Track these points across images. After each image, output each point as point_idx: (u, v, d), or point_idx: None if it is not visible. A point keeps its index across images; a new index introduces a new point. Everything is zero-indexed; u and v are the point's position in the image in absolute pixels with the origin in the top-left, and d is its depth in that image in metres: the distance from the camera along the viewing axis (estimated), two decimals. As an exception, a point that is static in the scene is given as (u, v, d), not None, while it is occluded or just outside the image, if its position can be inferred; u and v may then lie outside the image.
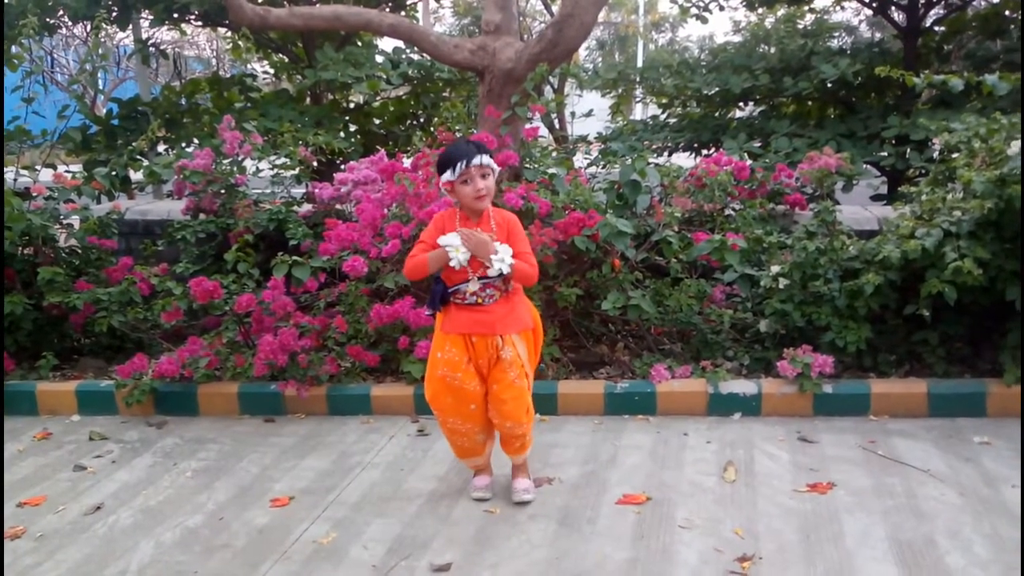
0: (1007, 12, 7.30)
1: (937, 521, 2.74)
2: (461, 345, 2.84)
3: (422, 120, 8.76)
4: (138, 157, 5.36)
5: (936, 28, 7.65)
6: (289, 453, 3.53)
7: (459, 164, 2.74)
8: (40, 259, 4.51)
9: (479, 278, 2.79)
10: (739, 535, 2.70)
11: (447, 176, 2.78)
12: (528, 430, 2.97)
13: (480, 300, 2.81)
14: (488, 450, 3.06)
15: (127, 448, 3.67)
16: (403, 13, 8.69)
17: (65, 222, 4.74)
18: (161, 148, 7.16)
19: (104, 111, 9.41)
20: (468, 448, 3.01)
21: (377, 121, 8.74)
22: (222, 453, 3.56)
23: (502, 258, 2.72)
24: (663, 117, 8.48)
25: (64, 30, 10.77)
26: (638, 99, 10.17)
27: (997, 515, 2.76)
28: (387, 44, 8.90)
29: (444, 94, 8.72)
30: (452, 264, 2.75)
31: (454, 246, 2.73)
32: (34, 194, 4.55)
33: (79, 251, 4.74)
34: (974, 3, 7.93)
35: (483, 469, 3.10)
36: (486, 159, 2.77)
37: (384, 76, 7.74)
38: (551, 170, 4.40)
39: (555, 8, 9.47)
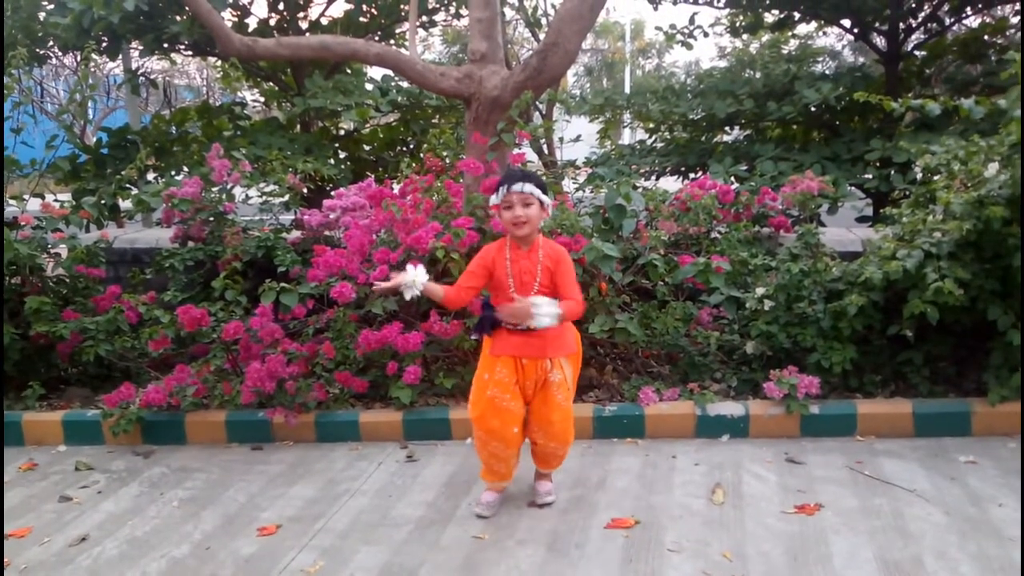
0: (985, 37, 7.44)
1: (924, 541, 2.74)
2: (511, 367, 2.91)
3: (412, 147, 8.83)
4: (127, 186, 5.38)
5: (917, 53, 7.79)
6: (277, 481, 3.51)
7: (501, 188, 2.83)
8: (27, 288, 4.50)
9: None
10: (727, 558, 2.70)
11: (492, 199, 2.90)
12: (568, 450, 3.10)
13: (531, 326, 2.84)
14: (512, 476, 3.15)
15: (113, 478, 3.64)
16: (392, 42, 8.79)
17: (53, 251, 4.74)
18: (150, 176, 7.18)
19: (94, 140, 9.44)
20: (502, 473, 3.10)
21: (367, 148, 8.80)
22: (209, 482, 3.54)
23: (546, 313, 2.72)
24: (650, 142, 8.57)
25: (54, 60, 10.83)
26: (626, 124, 10.28)
27: (983, 534, 2.77)
28: (376, 72, 8.98)
29: (433, 121, 8.80)
30: (406, 296, 2.88)
31: (407, 283, 2.86)
32: (22, 224, 4.55)
33: (67, 280, 4.73)
34: (953, 28, 8.09)
35: (499, 488, 3.16)
36: (529, 187, 2.80)
37: (373, 104, 7.81)
38: (537, 195, 4.43)
39: (541, 36, 9.60)
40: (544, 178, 4.40)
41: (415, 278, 2.88)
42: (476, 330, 3.04)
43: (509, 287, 2.88)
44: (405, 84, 7.96)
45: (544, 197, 2.86)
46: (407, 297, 2.91)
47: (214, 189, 4.96)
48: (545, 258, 2.89)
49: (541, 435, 3.02)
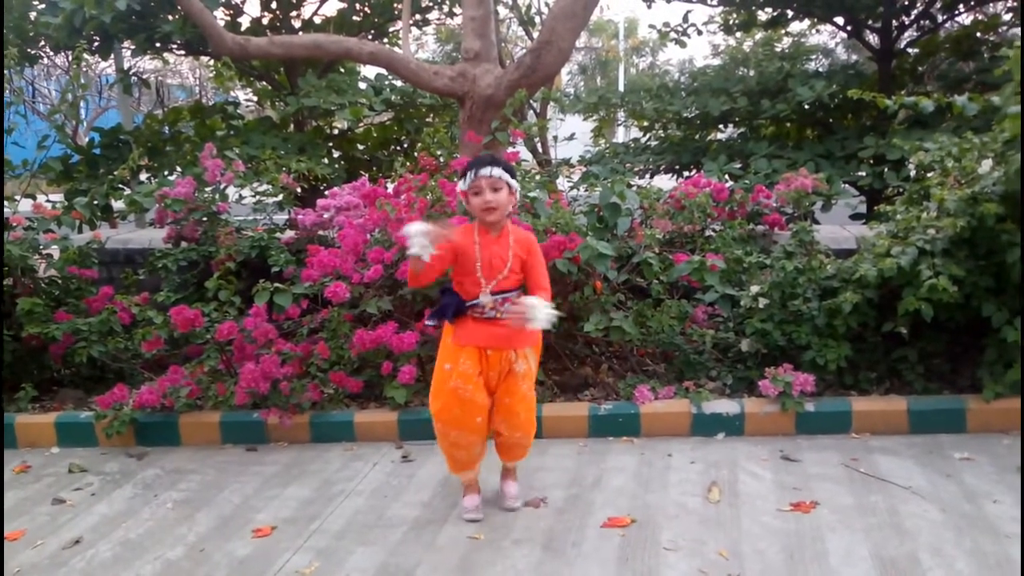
0: (978, 34, 7.46)
1: (920, 538, 2.75)
2: (475, 357, 2.85)
3: (405, 146, 8.81)
4: (119, 186, 5.34)
5: (909, 50, 7.81)
6: (271, 482, 3.50)
7: (469, 174, 2.78)
8: (19, 290, 4.47)
9: (493, 293, 2.82)
10: (724, 556, 2.70)
11: (460, 185, 2.85)
12: (532, 440, 3.07)
13: (499, 315, 2.82)
14: (480, 464, 3.10)
15: (107, 480, 3.62)
16: (385, 40, 8.77)
17: (45, 252, 4.72)
18: (143, 177, 7.15)
19: (86, 140, 9.40)
20: (465, 461, 3.03)
21: (361, 147, 8.77)
22: (203, 483, 3.52)
23: (544, 316, 2.63)
24: (644, 140, 8.57)
25: (45, 60, 10.77)
26: (620, 122, 10.29)
27: (979, 531, 2.77)
28: (370, 71, 8.96)
29: (427, 120, 8.78)
30: (412, 252, 2.59)
31: (417, 233, 2.57)
32: (13, 225, 4.53)
33: (59, 281, 4.71)
34: (946, 26, 8.11)
35: (473, 486, 3.12)
36: (497, 171, 2.76)
37: (367, 103, 7.78)
38: (532, 194, 4.43)
39: (535, 34, 9.59)
40: (537, 176, 4.38)
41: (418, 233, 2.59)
42: (436, 316, 2.94)
43: (476, 272, 2.82)
44: (399, 83, 7.95)
45: (512, 181, 2.82)
46: (409, 251, 2.64)
47: (207, 189, 4.94)
48: (515, 244, 2.85)
49: (506, 426, 2.95)
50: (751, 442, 3.64)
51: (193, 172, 5.03)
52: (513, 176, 2.83)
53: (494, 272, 2.82)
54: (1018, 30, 7.40)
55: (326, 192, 5.27)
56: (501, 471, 3.19)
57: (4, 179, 5.23)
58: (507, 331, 2.81)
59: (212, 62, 9.48)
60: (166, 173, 6.91)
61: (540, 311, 2.63)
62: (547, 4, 10.38)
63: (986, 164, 3.58)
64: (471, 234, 2.85)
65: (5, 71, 5.18)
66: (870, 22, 7.64)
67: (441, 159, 4.96)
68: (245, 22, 8.04)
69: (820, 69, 8.42)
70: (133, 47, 7.92)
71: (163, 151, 7.45)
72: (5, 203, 4.75)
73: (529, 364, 2.93)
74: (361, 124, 8.54)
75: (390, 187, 4.82)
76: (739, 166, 6.53)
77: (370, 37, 8.44)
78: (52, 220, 4.72)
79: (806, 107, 7.00)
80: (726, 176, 6.18)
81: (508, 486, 3.15)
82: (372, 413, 3.94)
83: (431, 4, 8.60)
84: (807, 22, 9.06)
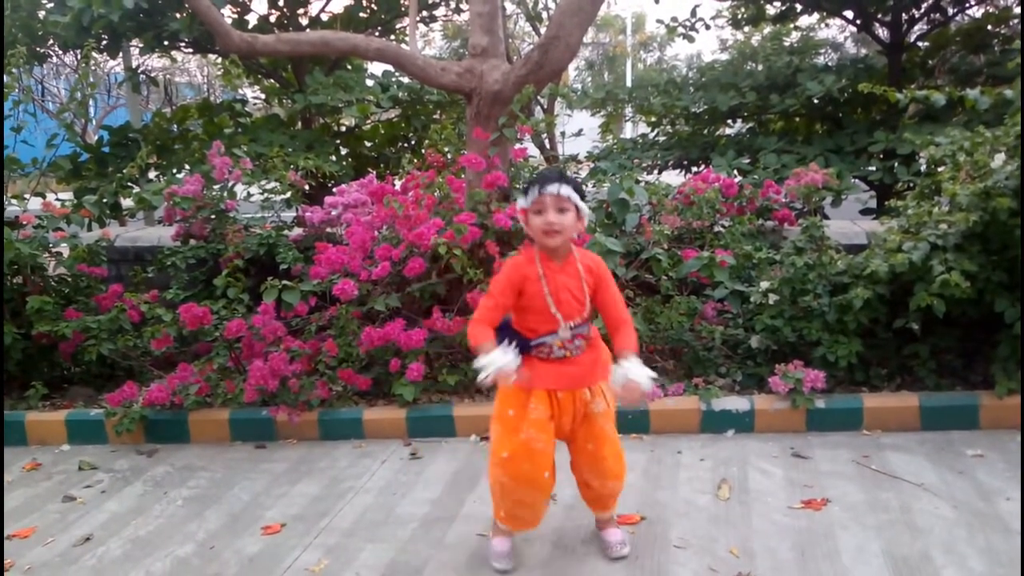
0: (989, 27, 7.40)
1: (932, 536, 2.73)
2: (547, 402, 2.48)
3: (413, 143, 8.80)
4: (128, 184, 5.36)
5: (920, 44, 7.75)
6: (281, 479, 3.50)
7: (532, 189, 2.41)
8: (29, 288, 4.49)
9: (571, 326, 2.46)
10: (734, 554, 2.68)
11: (520, 203, 2.47)
12: (623, 485, 2.71)
13: (569, 353, 2.48)
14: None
15: (117, 477, 3.64)
16: (392, 37, 8.76)
17: (54, 250, 4.73)
18: (152, 175, 7.17)
19: (95, 139, 9.43)
20: (529, 520, 2.66)
21: (368, 144, 8.78)
22: (213, 480, 3.53)
23: (645, 375, 2.36)
24: (652, 135, 8.54)
25: (54, 58, 10.82)
26: (627, 118, 10.26)
27: (992, 528, 2.75)
28: (377, 68, 8.95)
29: (435, 116, 8.77)
30: (481, 379, 2.30)
31: (491, 365, 2.29)
32: (23, 223, 4.54)
33: (68, 279, 4.72)
34: (956, 19, 8.04)
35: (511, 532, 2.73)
36: (565, 189, 2.37)
37: (374, 100, 7.78)
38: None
39: (542, 30, 9.57)
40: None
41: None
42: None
43: (550, 307, 2.43)
44: (406, 80, 7.93)
45: (582, 204, 2.44)
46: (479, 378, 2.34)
47: (215, 187, 4.95)
48: (586, 272, 2.48)
49: (594, 476, 2.61)
50: (761, 439, 3.62)
51: (201, 170, 5.04)
52: (583, 198, 2.46)
53: (568, 306, 2.44)
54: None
55: (334, 189, 5.27)
56: (596, 520, 2.82)
57: (15, 178, 5.26)
58: (578, 368, 2.49)
59: (220, 60, 9.48)
60: (174, 171, 6.93)
61: (644, 379, 2.36)
62: None
63: (999, 158, 3.55)
64: (533, 264, 2.45)
65: (14, 70, 5.19)
66: (879, 16, 7.58)
67: (448, 156, 4.95)
68: (252, 19, 8.04)
69: (829, 63, 8.38)
70: (141, 45, 7.94)
71: (171, 149, 7.47)
72: (15, 202, 4.77)
73: (607, 401, 2.56)
74: (368, 121, 8.54)
75: (398, 184, 4.81)
76: (748, 161, 6.50)
77: (377, 34, 8.43)
78: (61, 218, 4.73)
79: (815, 101, 6.96)
80: (735, 171, 6.15)
81: (610, 534, 2.74)
82: (380, 410, 3.93)
83: (438, 0, 8.58)
84: (816, 16, 9.01)
